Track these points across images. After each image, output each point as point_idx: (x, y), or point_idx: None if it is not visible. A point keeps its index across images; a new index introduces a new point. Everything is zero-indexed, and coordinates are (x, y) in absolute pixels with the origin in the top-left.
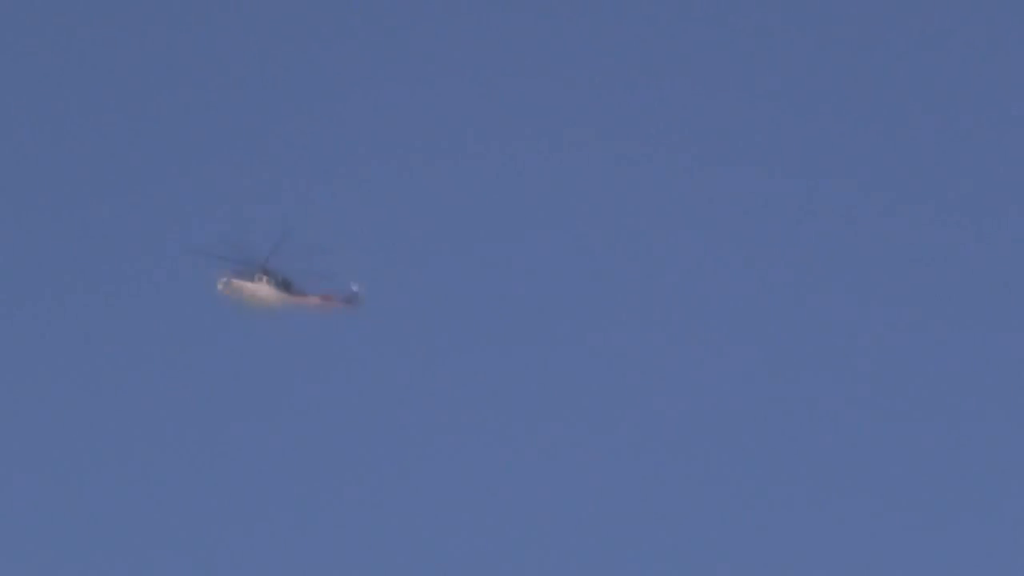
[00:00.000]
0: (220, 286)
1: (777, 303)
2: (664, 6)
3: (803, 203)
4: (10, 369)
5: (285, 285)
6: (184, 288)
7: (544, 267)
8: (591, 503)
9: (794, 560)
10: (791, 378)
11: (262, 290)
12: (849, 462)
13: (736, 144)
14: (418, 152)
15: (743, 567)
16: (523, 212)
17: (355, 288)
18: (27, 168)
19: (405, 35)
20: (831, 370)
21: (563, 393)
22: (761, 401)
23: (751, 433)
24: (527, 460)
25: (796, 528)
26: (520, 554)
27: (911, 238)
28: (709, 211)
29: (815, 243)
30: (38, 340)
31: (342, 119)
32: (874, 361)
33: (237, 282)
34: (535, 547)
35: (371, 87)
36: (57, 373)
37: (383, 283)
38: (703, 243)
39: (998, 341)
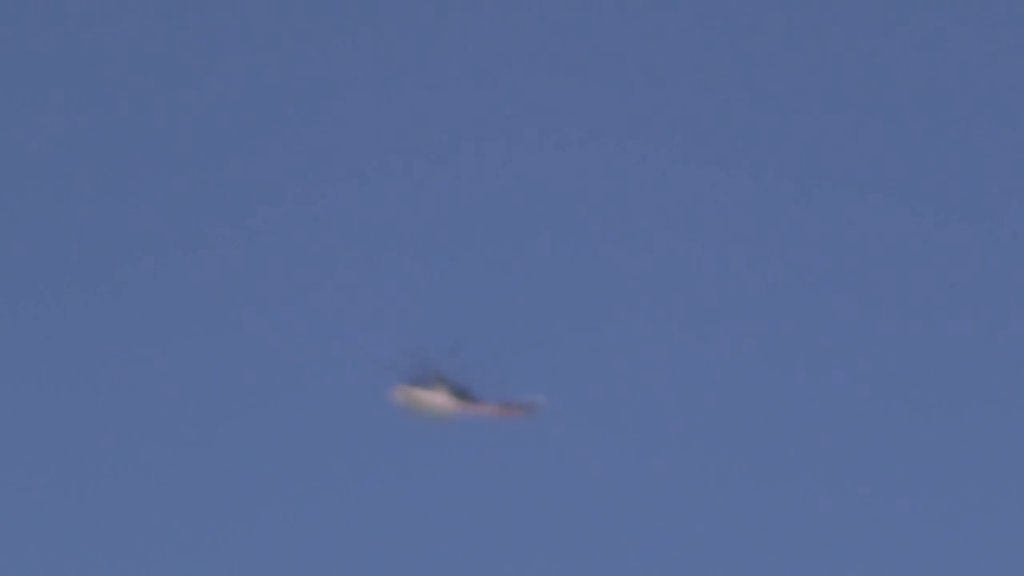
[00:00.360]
0: (396, 395)
1: (778, 307)
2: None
3: (803, 205)
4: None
5: (463, 393)
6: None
7: None
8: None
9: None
10: (793, 379)
11: (439, 399)
12: (850, 464)
13: (736, 147)
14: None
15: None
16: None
17: (537, 398)
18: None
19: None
20: (833, 370)
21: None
22: (761, 403)
23: (752, 435)
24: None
25: (798, 531)
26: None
27: (912, 241)
28: (726, 215)
29: (816, 247)
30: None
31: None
32: (876, 361)
33: (413, 391)
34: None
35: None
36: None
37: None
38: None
39: (999, 339)
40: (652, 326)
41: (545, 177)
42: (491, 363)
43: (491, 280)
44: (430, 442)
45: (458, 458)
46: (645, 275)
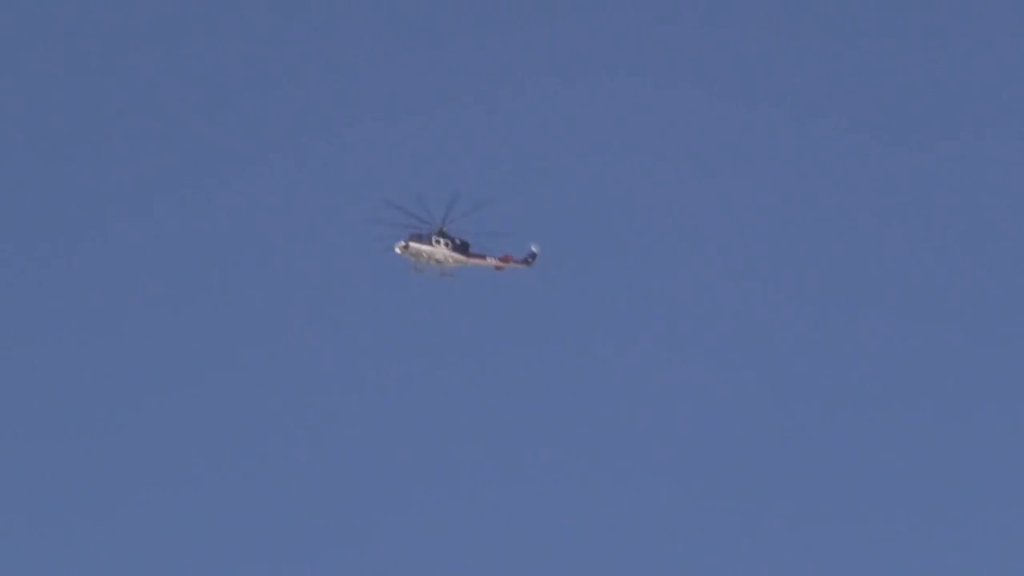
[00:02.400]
0: (398, 249)
1: (779, 313)
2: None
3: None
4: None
5: (462, 247)
6: (364, 252)
7: None
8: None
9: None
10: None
11: (439, 252)
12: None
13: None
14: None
15: None
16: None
17: (534, 248)
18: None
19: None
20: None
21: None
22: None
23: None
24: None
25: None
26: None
27: (913, 249)
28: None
29: (817, 253)
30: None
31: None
32: (878, 367)
33: (415, 245)
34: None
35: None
36: (236, 331)
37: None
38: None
39: (1001, 342)
40: (644, 173)
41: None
42: (491, 218)
43: (493, 136)
44: (431, 292)
45: (459, 307)
46: (639, 121)
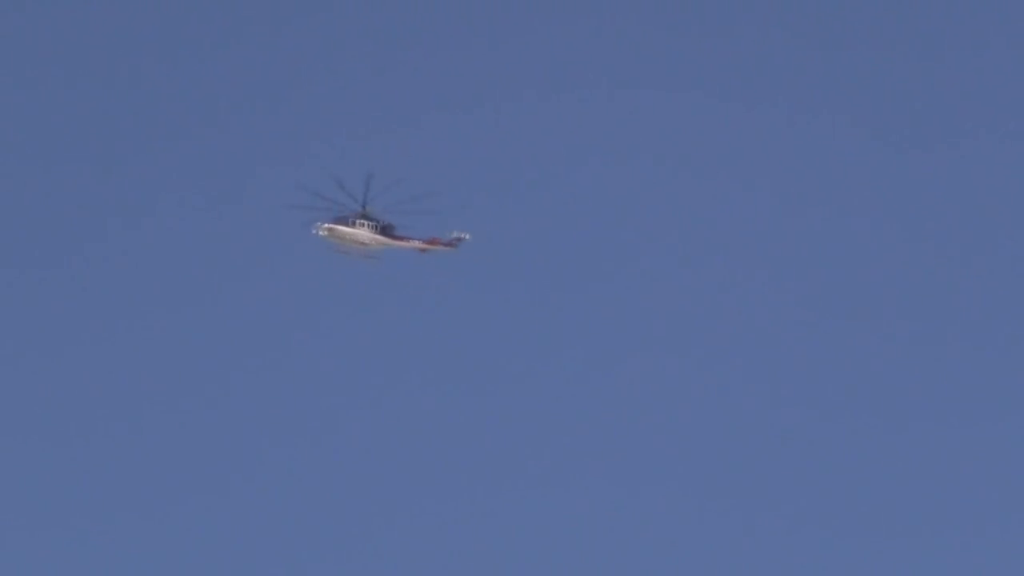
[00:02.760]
0: (321, 232)
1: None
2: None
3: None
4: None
5: (386, 229)
6: (284, 237)
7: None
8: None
9: None
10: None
11: (361, 235)
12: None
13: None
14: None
15: None
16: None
17: (458, 233)
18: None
19: None
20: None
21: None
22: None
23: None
24: None
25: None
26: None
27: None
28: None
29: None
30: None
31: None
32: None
33: (338, 228)
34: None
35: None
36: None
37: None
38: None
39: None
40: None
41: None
42: (416, 201)
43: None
44: (355, 274)
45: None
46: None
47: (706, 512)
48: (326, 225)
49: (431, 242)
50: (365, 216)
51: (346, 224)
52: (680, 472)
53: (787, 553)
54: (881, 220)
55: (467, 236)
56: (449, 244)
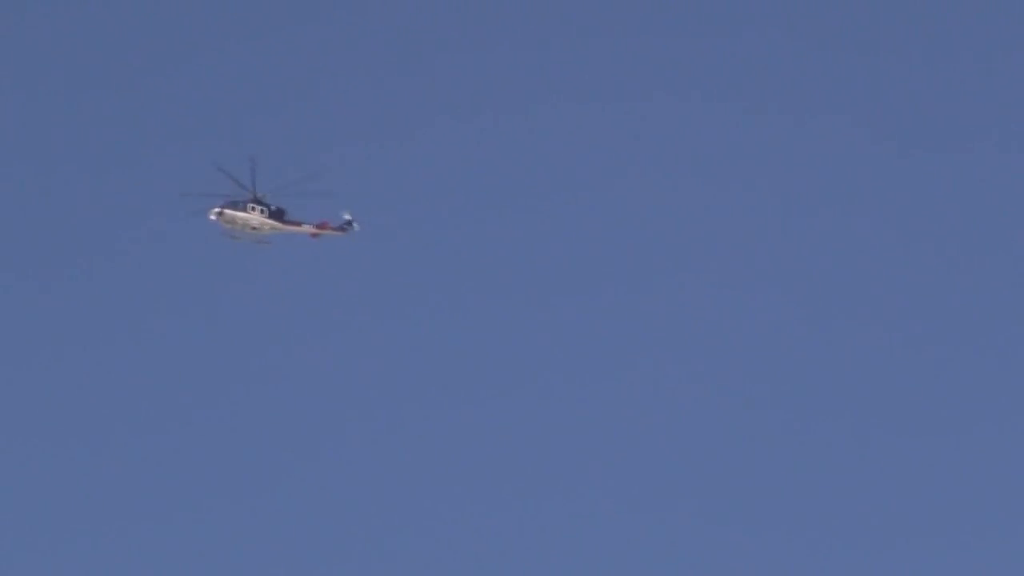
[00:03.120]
0: (212, 216)
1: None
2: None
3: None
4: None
5: (278, 214)
6: (178, 224)
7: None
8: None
9: None
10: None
11: (254, 219)
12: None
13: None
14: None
15: None
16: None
17: (348, 216)
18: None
19: None
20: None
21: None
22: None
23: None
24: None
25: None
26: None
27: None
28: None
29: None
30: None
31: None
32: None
33: (229, 212)
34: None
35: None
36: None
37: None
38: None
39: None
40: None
41: None
42: (308, 186)
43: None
44: (246, 257)
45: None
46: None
47: (704, 517)
48: (217, 209)
49: (321, 226)
50: (257, 200)
51: (238, 208)
52: (680, 474)
53: (786, 555)
54: (886, 223)
55: (355, 220)
56: (339, 229)
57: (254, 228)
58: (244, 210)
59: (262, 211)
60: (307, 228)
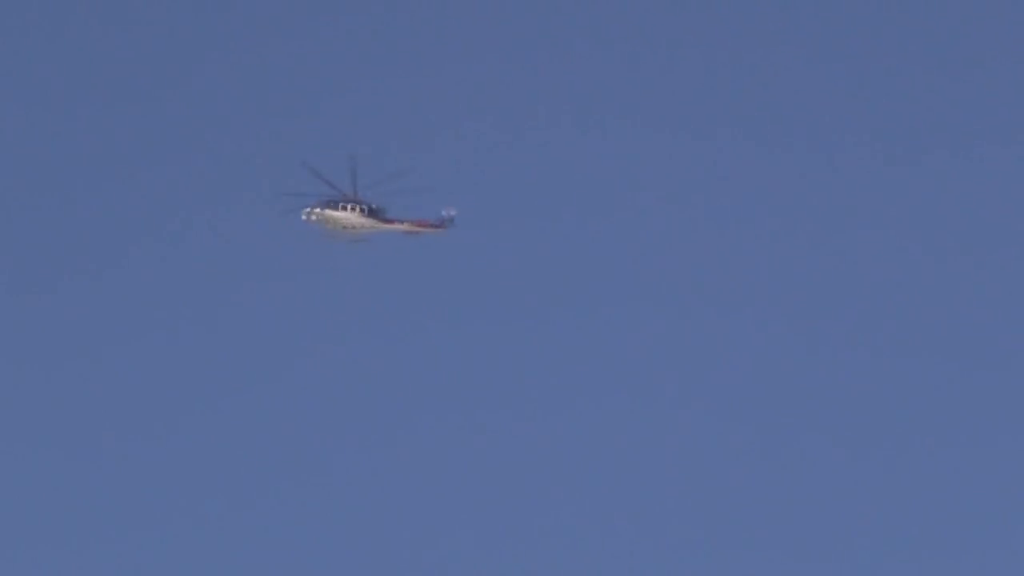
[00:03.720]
0: (306, 216)
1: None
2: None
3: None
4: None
5: (374, 212)
6: (274, 224)
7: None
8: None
9: None
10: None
11: (351, 218)
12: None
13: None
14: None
15: None
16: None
17: (446, 212)
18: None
19: None
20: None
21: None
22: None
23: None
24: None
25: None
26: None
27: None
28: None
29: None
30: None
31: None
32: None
33: (326, 212)
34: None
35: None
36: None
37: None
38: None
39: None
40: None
41: None
42: (405, 183)
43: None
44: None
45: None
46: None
47: (701, 523)
48: (315, 209)
49: (419, 224)
50: (353, 199)
51: (335, 208)
52: (680, 480)
53: (785, 558)
54: (887, 232)
55: (454, 212)
56: (438, 225)
57: (352, 227)
58: (340, 209)
59: (359, 209)
60: (405, 226)
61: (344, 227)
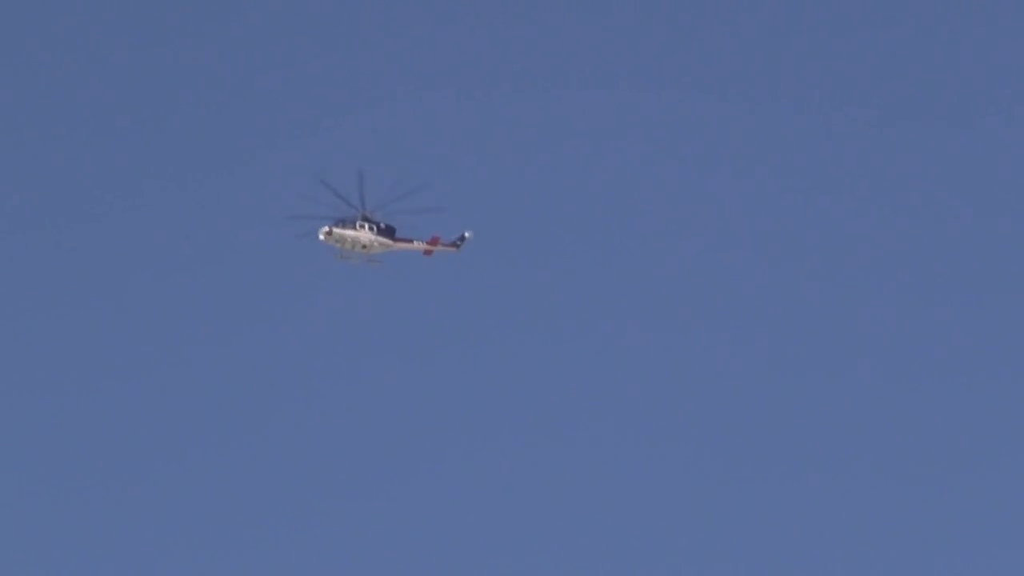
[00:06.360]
0: (322, 236)
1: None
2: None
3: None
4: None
5: (388, 231)
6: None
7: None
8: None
9: None
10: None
11: (364, 237)
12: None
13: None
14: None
15: None
16: None
17: (465, 233)
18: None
19: None
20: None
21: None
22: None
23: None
24: None
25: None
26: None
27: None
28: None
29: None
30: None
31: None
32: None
33: (339, 231)
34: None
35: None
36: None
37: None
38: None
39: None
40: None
41: None
42: (419, 203)
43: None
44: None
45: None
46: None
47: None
48: (327, 229)
49: (433, 242)
50: (367, 218)
51: (347, 227)
52: (683, 462)
53: (784, 552)
54: (883, 209)
55: (470, 234)
56: (452, 245)
57: (364, 246)
58: (353, 228)
59: (372, 228)
60: (419, 245)
61: (357, 246)
